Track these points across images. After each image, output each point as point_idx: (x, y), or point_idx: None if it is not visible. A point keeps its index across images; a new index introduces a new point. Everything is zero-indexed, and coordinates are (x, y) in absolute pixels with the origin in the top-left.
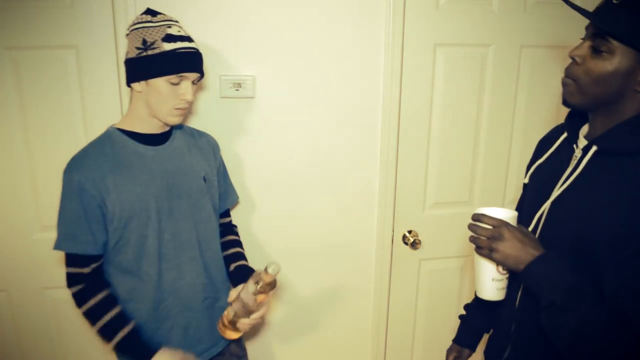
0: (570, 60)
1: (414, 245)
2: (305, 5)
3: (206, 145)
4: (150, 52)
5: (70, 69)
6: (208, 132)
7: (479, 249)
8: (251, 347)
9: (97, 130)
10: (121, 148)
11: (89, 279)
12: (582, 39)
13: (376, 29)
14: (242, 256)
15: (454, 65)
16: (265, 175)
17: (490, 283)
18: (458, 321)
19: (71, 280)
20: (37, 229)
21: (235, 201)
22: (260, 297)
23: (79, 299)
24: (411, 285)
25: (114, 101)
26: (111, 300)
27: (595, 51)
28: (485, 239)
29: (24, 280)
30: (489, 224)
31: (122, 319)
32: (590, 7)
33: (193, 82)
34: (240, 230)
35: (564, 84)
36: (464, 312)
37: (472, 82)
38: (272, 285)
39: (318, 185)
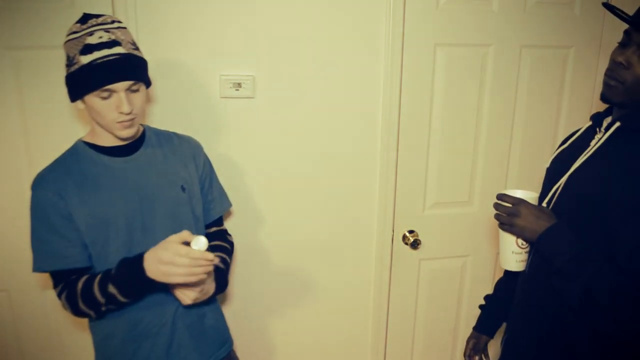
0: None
1: (414, 245)
2: (305, 5)
3: (186, 151)
4: (72, 69)
5: None
6: (208, 132)
7: (502, 225)
8: (249, 345)
9: None
10: (88, 162)
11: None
12: (619, 42)
13: (376, 28)
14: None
15: (454, 65)
16: (265, 176)
17: (511, 255)
18: (458, 321)
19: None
20: None
21: (227, 208)
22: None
23: (72, 305)
24: (411, 285)
25: None
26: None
27: None
28: (506, 215)
29: (24, 280)
30: (509, 203)
31: (92, 277)
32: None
33: (132, 90)
34: (239, 231)
35: (608, 85)
36: (483, 302)
37: (472, 82)
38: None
39: (318, 185)
